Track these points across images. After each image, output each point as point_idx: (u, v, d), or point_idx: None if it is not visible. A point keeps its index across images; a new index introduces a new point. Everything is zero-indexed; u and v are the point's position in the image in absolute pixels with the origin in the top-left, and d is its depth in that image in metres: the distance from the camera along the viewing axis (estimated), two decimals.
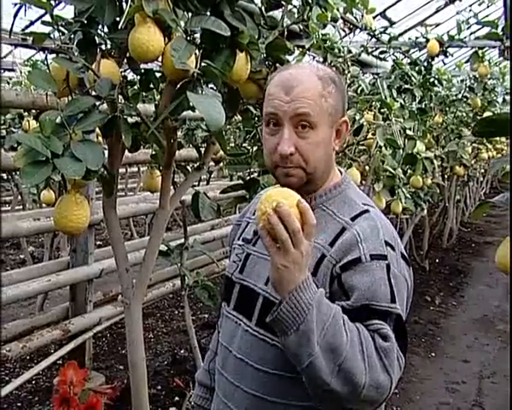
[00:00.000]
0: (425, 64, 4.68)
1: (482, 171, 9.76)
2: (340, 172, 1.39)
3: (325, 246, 1.23)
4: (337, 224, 1.26)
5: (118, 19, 1.57)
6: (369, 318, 1.14)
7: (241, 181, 2.38)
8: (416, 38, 4.95)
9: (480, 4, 5.48)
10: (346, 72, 3.11)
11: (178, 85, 1.64)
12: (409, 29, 6.71)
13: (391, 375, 1.11)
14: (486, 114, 5.82)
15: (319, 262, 1.22)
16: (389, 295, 1.17)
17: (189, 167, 2.32)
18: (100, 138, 2.77)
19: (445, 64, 5.71)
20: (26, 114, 4.32)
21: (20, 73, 5.03)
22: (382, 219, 1.29)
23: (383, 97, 3.43)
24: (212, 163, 5.24)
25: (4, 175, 5.40)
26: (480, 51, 4.99)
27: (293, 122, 1.24)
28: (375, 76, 4.31)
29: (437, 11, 6.63)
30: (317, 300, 1.08)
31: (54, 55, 1.60)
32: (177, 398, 3.43)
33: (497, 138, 7.32)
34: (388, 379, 1.10)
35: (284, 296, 1.07)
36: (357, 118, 3.46)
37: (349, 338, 1.08)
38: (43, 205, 4.02)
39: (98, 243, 6.70)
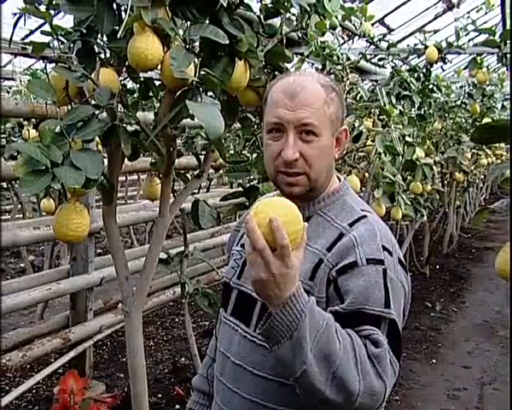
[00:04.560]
0: (424, 71, 4.68)
1: (482, 177, 9.75)
2: (339, 179, 1.39)
3: (323, 251, 1.23)
4: (335, 230, 1.26)
5: (117, 28, 1.58)
6: (362, 323, 1.14)
7: (241, 188, 2.38)
8: (415, 44, 4.96)
9: (477, 11, 5.49)
10: (345, 79, 3.12)
11: (177, 94, 1.65)
12: (407, 36, 6.73)
13: (385, 381, 1.10)
14: (485, 120, 5.83)
15: (316, 267, 1.22)
16: (384, 299, 1.16)
17: (188, 175, 2.32)
18: (99, 147, 2.78)
19: (443, 70, 5.73)
20: (25, 122, 4.34)
21: (20, 82, 5.04)
22: (380, 224, 1.29)
23: (382, 104, 3.44)
24: (211, 170, 5.24)
25: (4, 184, 5.41)
26: (478, 58, 4.99)
27: (297, 129, 1.25)
28: (374, 83, 4.32)
29: (435, 18, 6.66)
30: (309, 307, 1.06)
31: (53, 65, 1.61)
32: (177, 406, 3.42)
33: (497, 144, 7.33)
34: (382, 385, 1.09)
35: (277, 305, 1.05)
36: (357, 125, 3.47)
37: (342, 345, 1.07)
38: (43, 213, 4.02)
39: (98, 251, 6.70)
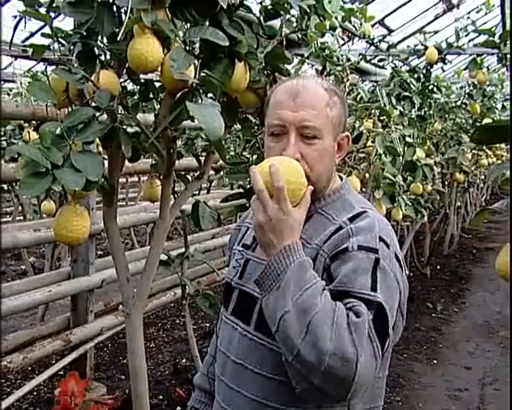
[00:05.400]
0: (424, 71, 4.69)
1: (482, 177, 9.76)
2: (341, 179, 1.40)
3: (319, 244, 1.25)
4: (334, 225, 1.27)
5: (117, 30, 1.58)
6: (347, 298, 1.13)
7: (241, 190, 2.39)
8: (415, 45, 4.96)
9: (477, 12, 5.49)
10: (345, 80, 3.12)
11: (178, 95, 1.65)
12: (407, 37, 6.74)
13: (358, 349, 1.06)
14: (486, 120, 5.83)
15: (314, 260, 1.22)
16: (370, 284, 1.14)
17: (189, 177, 2.33)
18: (100, 149, 2.78)
19: (444, 71, 5.73)
20: (26, 125, 4.34)
21: (21, 84, 5.05)
22: (381, 219, 1.29)
23: (382, 105, 3.44)
24: (212, 172, 5.25)
25: (5, 186, 5.42)
26: (478, 58, 4.99)
27: (298, 131, 1.26)
28: (374, 84, 4.32)
29: (435, 19, 6.67)
30: (300, 261, 1.12)
31: (54, 67, 1.61)
32: (178, 408, 3.42)
33: (497, 145, 7.33)
34: (354, 353, 1.05)
35: (272, 254, 1.14)
36: (357, 126, 3.47)
37: (323, 306, 1.08)
38: (44, 216, 4.03)
39: (99, 252, 6.70)
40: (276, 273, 1.12)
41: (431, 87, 4.73)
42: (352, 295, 1.13)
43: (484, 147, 6.63)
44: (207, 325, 4.94)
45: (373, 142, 3.46)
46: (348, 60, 3.13)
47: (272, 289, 1.12)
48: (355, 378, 1.06)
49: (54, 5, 1.64)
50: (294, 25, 2.23)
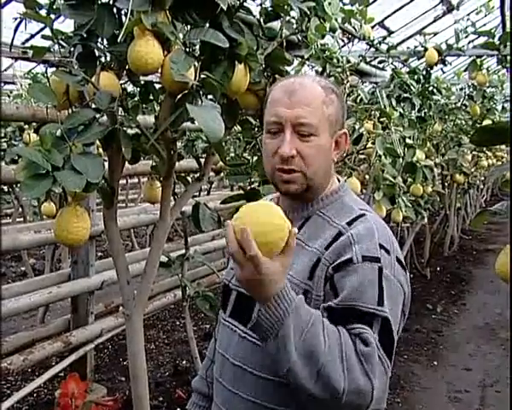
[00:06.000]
0: (424, 73, 4.69)
1: (482, 178, 9.76)
2: (339, 180, 1.40)
3: (321, 250, 1.24)
4: (334, 229, 1.27)
5: (117, 32, 1.58)
6: (354, 320, 1.13)
7: (241, 191, 2.39)
8: (415, 47, 4.96)
9: (477, 13, 5.49)
10: (345, 81, 3.12)
11: (178, 97, 1.65)
12: (407, 38, 6.73)
13: (371, 379, 1.09)
14: (486, 121, 5.83)
15: (315, 266, 1.23)
16: (377, 297, 1.16)
17: (189, 178, 2.33)
18: (100, 150, 2.78)
19: (443, 72, 5.73)
20: (26, 126, 4.35)
21: (21, 86, 5.06)
22: (379, 222, 1.29)
23: (382, 106, 3.44)
24: (212, 173, 5.25)
25: (5, 188, 5.42)
26: (478, 60, 4.99)
27: (294, 128, 1.26)
28: (374, 85, 4.32)
29: (435, 20, 6.65)
30: (294, 307, 1.09)
31: (54, 69, 1.62)
32: (178, 409, 3.42)
33: (497, 146, 7.33)
34: (369, 384, 1.08)
35: (262, 304, 1.10)
36: (357, 127, 3.47)
37: (327, 344, 1.08)
38: (44, 217, 4.03)
39: (99, 254, 6.70)
40: (269, 323, 1.09)
41: (431, 89, 4.74)
42: (358, 310, 1.14)
43: (484, 148, 6.63)
44: (207, 326, 4.94)
45: (373, 143, 3.46)
46: (348, 61, 3.14)
47: (269, 337, 1.10)
48: (372, 402, 1.10)
49: (54, 7, 1.64)
50: (294, 26, 2.23)
